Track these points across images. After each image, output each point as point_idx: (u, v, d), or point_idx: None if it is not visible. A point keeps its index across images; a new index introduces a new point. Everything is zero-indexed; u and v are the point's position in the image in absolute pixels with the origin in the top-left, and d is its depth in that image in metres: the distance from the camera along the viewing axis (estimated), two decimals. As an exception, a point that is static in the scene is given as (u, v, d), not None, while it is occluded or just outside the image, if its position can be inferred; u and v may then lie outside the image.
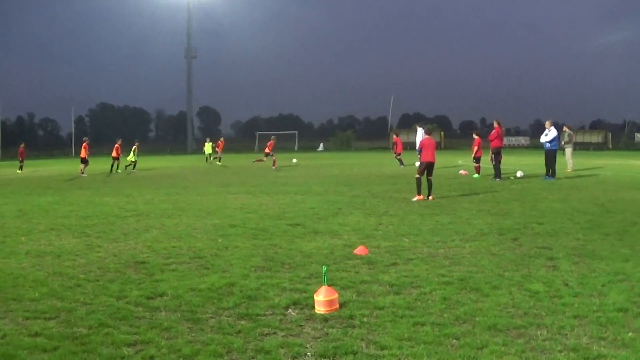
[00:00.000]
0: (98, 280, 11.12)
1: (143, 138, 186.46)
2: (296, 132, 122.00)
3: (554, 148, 33.18)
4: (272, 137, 50.59)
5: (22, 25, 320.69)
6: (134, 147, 49.11)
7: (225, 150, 65.31)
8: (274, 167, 46.72)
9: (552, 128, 33.27)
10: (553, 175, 32.61)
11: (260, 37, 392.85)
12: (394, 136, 53.45)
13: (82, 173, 42.78)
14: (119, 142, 47.85)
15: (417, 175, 23.79)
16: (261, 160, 49.93)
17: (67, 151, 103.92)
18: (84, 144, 44.00)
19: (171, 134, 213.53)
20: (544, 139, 33.50)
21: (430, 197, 23.44)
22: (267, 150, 48.42)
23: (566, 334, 8.00)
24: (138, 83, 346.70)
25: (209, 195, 26.25)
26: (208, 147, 61.75)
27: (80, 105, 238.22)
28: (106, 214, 20.22)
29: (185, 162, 64.40)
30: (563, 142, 37.62)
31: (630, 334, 7.95)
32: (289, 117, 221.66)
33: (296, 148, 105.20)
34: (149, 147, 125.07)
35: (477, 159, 36.00)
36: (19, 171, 50.68)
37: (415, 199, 23.24)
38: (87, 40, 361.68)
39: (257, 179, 35.66)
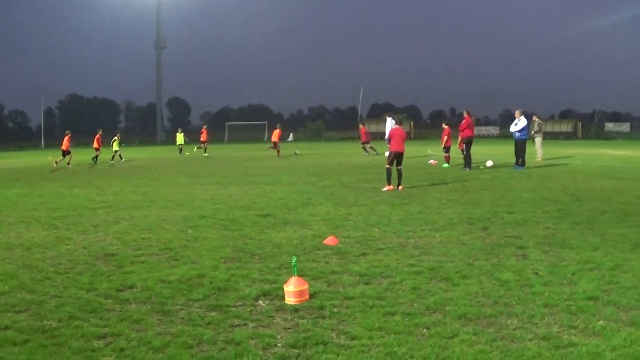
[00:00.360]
0: (68, 273, 11.05)
1: (112, 129, 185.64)
2: (266, 122, 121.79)
3: (523, 137, 33.40)
4: (278, 125, 50.75)
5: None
6: (114, 137, 48.97)
7: (195, 141, 64.51)
8: (278, 156, 47.09)
9: (522, 117, 33.49)
10: (523, 164, 32.82)
11: (230, 28, 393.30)
12: (360, 126, 53.55)
13: (65, 164, 42.49)
14: (100, 132, 47.49)
15: (387, 165, 23.89)
16: (273, 148, 49.95)
17: (37, 143, 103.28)
18: (67, 137, 43.60)
19: (140, 125, 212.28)
20: (513, 128, 33.70)
21: (400, 187, 23.55)
22: (274, 139, 48.67)
23: (536, 323, 8.05)
24: (107, 74, 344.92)
25: (178, 187, 26.20)
26: (180, 138, 61.19)
27: (49, 96, 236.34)
28: (75, 205, 20.12)
29: (155, 153, 64.05)
30: (533, 132, 37.85)
31: (600, 322, 8.01)
32: (259, 108, 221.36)
33: (265, 138, 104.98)
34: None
35: (446, 149, 36.26)
36: None
37: (385, 189, 23.35)
38: (56, 31, 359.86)
39: (227, 170, 35.60)
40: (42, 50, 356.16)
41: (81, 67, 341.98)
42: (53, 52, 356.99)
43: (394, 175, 23.76)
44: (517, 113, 33.57)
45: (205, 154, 55.43)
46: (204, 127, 61.51)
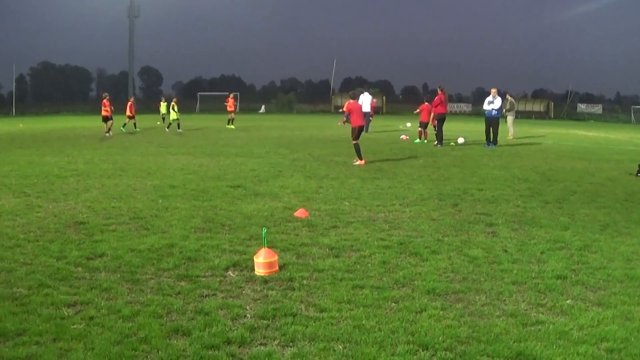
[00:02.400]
0: (38, 241, 11.03)
1: (84, 98, 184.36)
2: (238, 93, 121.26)
3: (497, 115, 33.47)
4: (231, 94, 50.46)
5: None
6: (172, 103, 45.38)
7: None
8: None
9: (498, 97, 33.54)
10: (495, 142, 32.93)
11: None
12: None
13: (108, 132, 40.08)
14: (132, 99, 46.42)
15: (355, 141, 24.01)
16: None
17: (8, 110, 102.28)
18: (105, 100, 41.23)
19: (112, 93, 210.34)
20: (488, 106, 33.67)
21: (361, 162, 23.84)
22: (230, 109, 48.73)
23: (504, 300, 8.16)
24: (80, 42, 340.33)
25: (149, 156, 26.09)
26: (163, 107, 59.93)
27: (21, 63, 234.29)
28: (46, 173, 19.98)
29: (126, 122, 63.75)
30: (505, 110, 37.93)
31: (568, 301, 8.13)
32: (231, 79, 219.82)
33: (237, 110, 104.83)
34: (90, 107, 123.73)
35: (422, 124, 36.33)
36: None
37: (357, 163, 23.51)
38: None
39: (198, 140, 35.46)
40: (13, 17, 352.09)
41: (53, 34, 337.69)
42: (25, 19, 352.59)
43: (352, 149, 23.93)
44: (493, 91, 33.57)
45: (232, 126, 51.54)
46: (230, 95, 56.18)
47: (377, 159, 24.65)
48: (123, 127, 44.03)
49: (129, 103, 45.89)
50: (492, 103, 33.40)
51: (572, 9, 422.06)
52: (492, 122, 33.37)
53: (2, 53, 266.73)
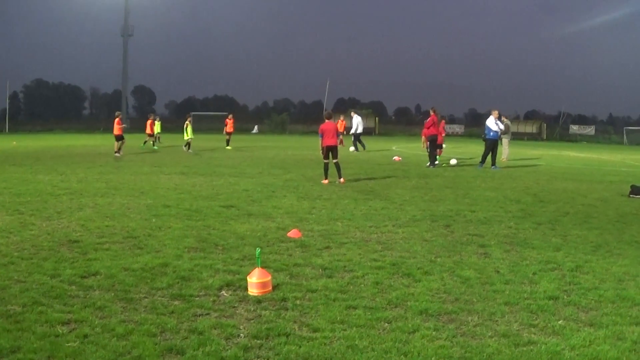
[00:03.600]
0: (32, 259, 11.04)
1: (77, 116, 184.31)
2: (231, 114, 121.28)
3: (495, 138, 33.58)
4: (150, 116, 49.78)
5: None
6: (186, 122, 44.41)
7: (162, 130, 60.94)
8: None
9: (503, 119, 33.75)
10: (483, 162, 33.05)
11: (197, 18, 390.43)
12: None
13: (118, 152, 38.93)
14: (152, 117, 47.07)
15: (325, 160, 24.46)
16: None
17: (1, 127, 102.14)
18: (118, 119, 40.85)
19: (105, 112, 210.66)
20: (495, 128, 33.61)
21: (342, 180, 24.21)
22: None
23: (497, 320, 8.19)
24: (73, 60, 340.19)
25: (142, 175, 26.07)
26: (157, 126, 59.77)
27: (14, 81, 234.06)
28: (39, 191, 19.98)
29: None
30: (500, 132, 38.08)
31: (560, 322, 8.17)
32: (224, 99, 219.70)
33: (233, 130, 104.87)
34: (83, 125, 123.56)
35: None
36: None
37: (323, 181, 24.02)
38: (23, 15, 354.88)
39: (191, 160, 35.49)
40: (7, 34, 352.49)
41: (47, 52, 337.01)
42: (19, 36, 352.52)
43: (332, 170, 24.28)
44: (496, 113, 33.69)
45: (228, 147, 50.20)
46: (229, 116, 54.83)
47: (370, 178, 24.68)
48: (143, 144, 44.04)
49: (149, 121, 45.76)
50: (497, 125, 33.49)
51: (563, 30, 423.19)
52: (492, 143, 33.42)
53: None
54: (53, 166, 30.00)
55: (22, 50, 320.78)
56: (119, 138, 39.54)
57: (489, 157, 33.40)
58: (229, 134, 51.09)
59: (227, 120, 53.15)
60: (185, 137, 43.90)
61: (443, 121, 37.17)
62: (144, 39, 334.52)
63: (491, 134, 33.53)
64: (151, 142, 45.27)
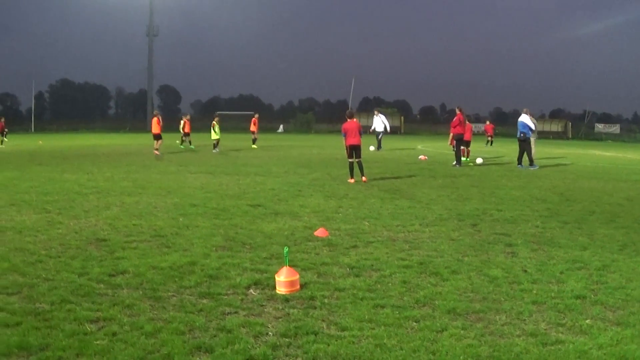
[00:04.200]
0: (59, 257, 11.10)
1: (102, 115, 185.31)
2: (257, 114, 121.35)
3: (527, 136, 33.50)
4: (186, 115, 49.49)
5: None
6: (213, 122, 44.30)
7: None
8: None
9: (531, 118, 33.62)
10: (520, 163, 32.95)
11: (223, 18, 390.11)
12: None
13: (157, 150, 38.96)
14: (188, 117, 46.40)
15: (349, 160, 24.50)
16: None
17: (27, 126, 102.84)
18: (155, 118, 41.22)
19: (130, 112, 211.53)
20: (532, 125, 33.49)
21: (364, 179, 24.20)
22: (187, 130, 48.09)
23: (524, 320, 8.14)
24: (99, 60, 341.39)
25: (169, 174, 26.22)
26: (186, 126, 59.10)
27: (40, 80, 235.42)
28: (66, 190, 20.11)
29: (145, 140, 63.41)
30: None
31: (587, 321, 8.11)
32: (249, 98, 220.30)
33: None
34: (108, 125, 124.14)
35: (464, 143, 36.39)
36: (1, 145, 49.76)
37: (350, 180, 23.99)
38: (49, 15, 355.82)
39: (217, 159, 35.57)
40: (34, 34, 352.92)
41: (73, 52, 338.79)
42: (45, 36, 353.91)
43: (356, 168, 24.31)
44: (528, 112, 33.57)
45: (254, 146, 50.54)
46: (256, 115, 53.68)
47: (396, 179, 24.65)
48: (181, 144, 44.05)
49: (184, 121, 45.66)
50: (534, 123, 33.44)
51: (588, 28, 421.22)
52: (526, 142, 33.31)
53: (21, 70, 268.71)
54: (79, 165, 30.18)
55: (48, 50, 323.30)
56: (158, 137, 39.65)
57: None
58: (253, 133, 50.65)
59: (254, 119, 52.36)
60: (213, 137, 43.83)
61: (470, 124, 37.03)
62: (169, 38, 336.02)
63: (529, 132, 33.35)
64: (188, 142, 45.00)
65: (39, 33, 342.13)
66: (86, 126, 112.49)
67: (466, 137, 36.41)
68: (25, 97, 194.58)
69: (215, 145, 43.50)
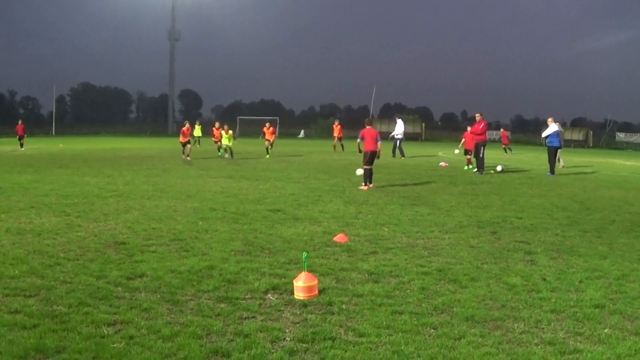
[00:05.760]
0: (78, 260, 11.13)
1: (123, 119, 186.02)
2: (277, 118, 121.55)
3: (550, 145, 33.48)
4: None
5: (3, 2, 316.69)
6: (225, 129, 42.83)
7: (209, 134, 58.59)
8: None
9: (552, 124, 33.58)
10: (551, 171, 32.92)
11: (244, 22, 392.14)
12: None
13: (188, 156, 39.40)
14: (217, 125, 45.20)
15: (365, 167, 24.45)
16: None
17: (48, 129, 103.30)
18: (184, 129, 40.97)
19: (151, 116, 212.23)
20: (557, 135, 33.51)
21: (372, 185, 24.27)
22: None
23: (543, 328, 8.10)
24: (120, 64, 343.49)
25: (189, 178, 26.26)
26: (198, 130, 59.56)
27: (62, 84, 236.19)
28: (86, 193, 20.18)
29: (166, 145, 63.60)
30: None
31: (606, 330, 8.06)
32: (271, 103, 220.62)
33: (277, 134, 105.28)
34: (129, 129, 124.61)
35: (467, 152, 36.39)
36: (21, 149, 49.81)
37: (362, 187, 23.92)
38: (70, 18, 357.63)
39: (237, 164, 35.59)
40: (55, 38, 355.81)
41: (94, 55, 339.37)
42: (66, 39, 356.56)
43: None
44: (551, 120, 33.57)
45: (269, 151, 47.19)
46: (267, 124, 48.81)
47: (416, 186, 24.61)
48: (219, 151, 44.05)
49: (215, 129, 45.49)
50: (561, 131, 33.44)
51: (610, 37, 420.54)
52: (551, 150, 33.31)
53: (43, 73, 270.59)
54: (100, 169, 30.30)
55: (69, 54, 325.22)
56: (186, 143, 40.10)
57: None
58: (269, 140, 50.14)
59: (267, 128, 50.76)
60: (225, 143, 42.97)
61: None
62: (190, 43, 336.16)
63: (556, 141, 33.25)
64: (217, 149, 44.84)
65: (61, 37, 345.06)
66: (107, 130, 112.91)
67: (468, 146, 36.47)
68: (47, 100, 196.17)
69: (225, 151, 42.57)
